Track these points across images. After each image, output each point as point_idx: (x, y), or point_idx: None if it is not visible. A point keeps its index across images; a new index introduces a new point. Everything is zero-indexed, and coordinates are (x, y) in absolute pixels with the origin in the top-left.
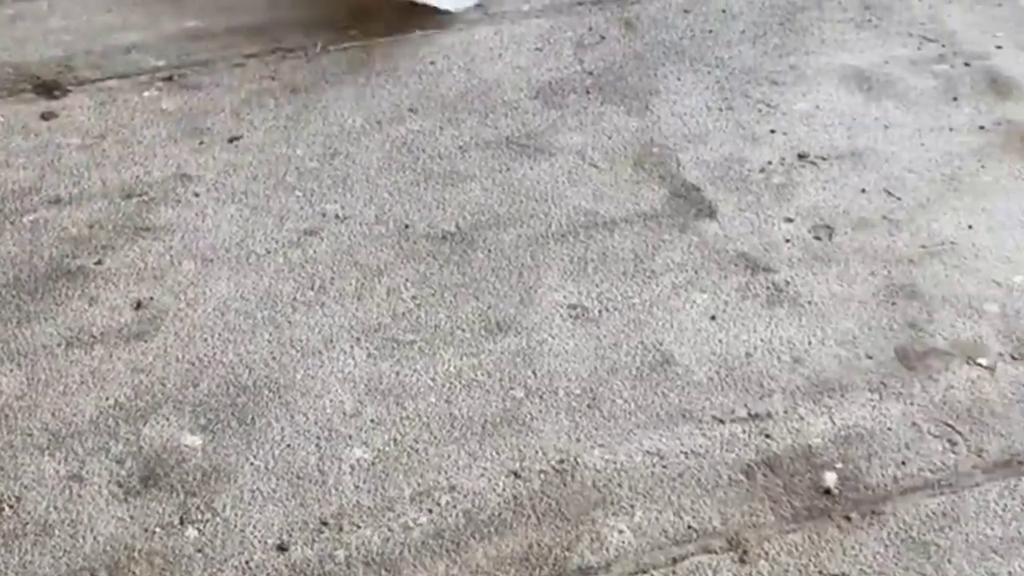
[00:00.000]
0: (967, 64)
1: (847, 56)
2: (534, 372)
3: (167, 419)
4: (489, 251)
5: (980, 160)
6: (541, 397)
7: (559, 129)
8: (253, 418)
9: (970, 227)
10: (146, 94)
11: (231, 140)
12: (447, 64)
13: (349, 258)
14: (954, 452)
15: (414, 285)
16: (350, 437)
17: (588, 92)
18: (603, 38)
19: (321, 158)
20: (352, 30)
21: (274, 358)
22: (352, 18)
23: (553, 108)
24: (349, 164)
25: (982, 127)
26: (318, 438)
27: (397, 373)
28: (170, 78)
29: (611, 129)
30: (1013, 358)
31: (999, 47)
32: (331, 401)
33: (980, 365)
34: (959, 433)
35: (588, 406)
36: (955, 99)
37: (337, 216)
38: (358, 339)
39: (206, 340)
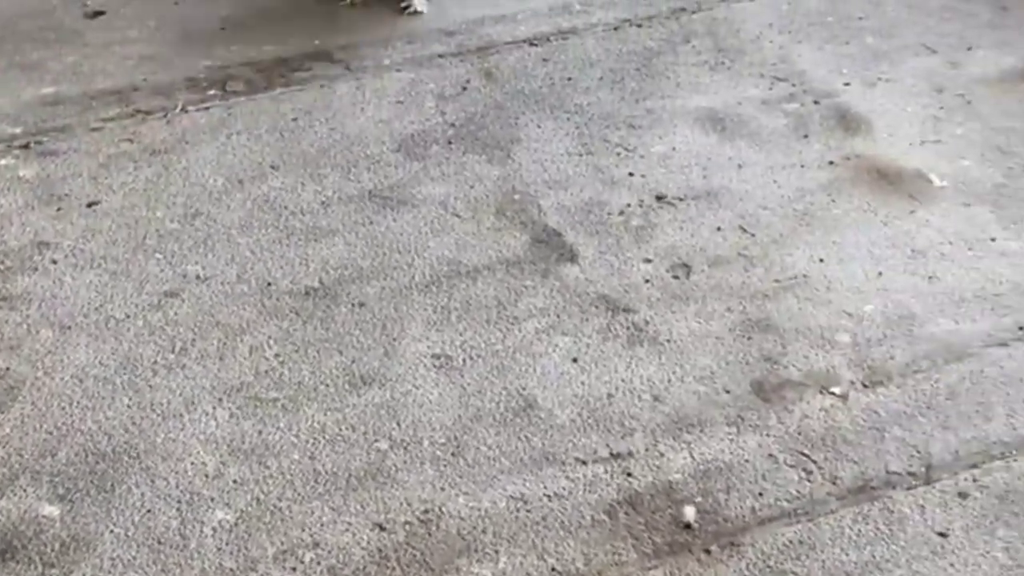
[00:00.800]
0: (816, 102)
1: (701, 98)
2: (398, 423)
3: (24, 490)
4: (352, 305)
5: (830, 195)
6: (405, 448)
7: (421, 180)
8: (113, 485)
9: (821, 260)
10: (2, 162)
11: (89, 205)
12: (309, 120)
13: (211, 318)
14: (809, 481)
15: (277, 342)
16: (212, 499)
17: (450, 143)
18: (464, 89)
19: (182, 219)
20: (212, 90)
21: (134, 423)
22: (212, 78)
23: (415, 160)
24: (210, 224)
25: (832, 162)
26: (179, 502)
27: (260, 432)
28: (27, 145)
29: (473, 178)
30: (864, 386)
31: (847, 84)
32: (192, 463)
33: (833, 394)
34: (814, 462)
35: (452, 454)
36: (806, 136)
37: (198, 277)
38: (220, 399)
39: (64, 409)
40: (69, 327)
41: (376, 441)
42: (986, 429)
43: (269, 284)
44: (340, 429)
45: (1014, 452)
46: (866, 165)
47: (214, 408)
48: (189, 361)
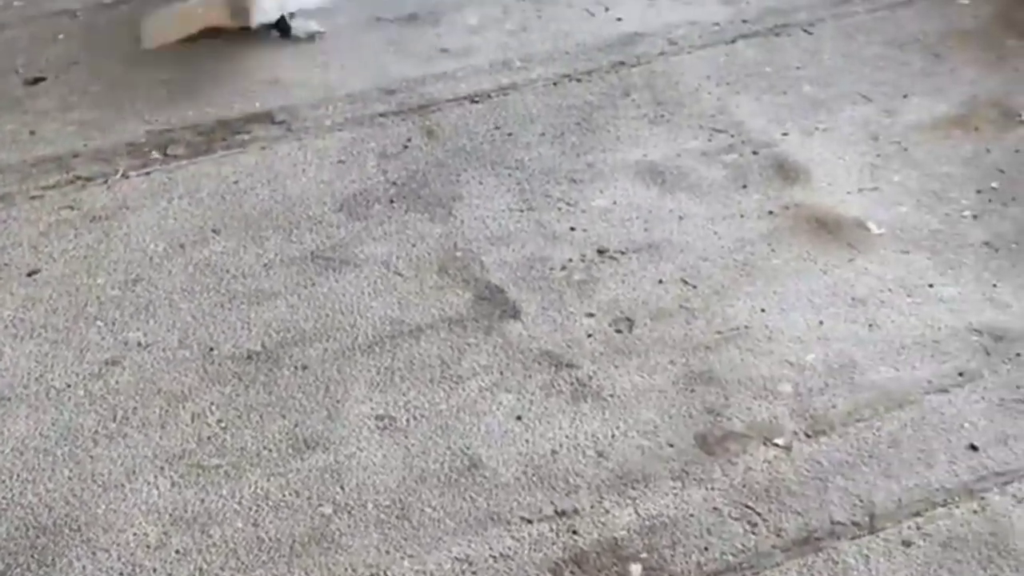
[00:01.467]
0: (755, 152)
1: (641, 151)
2: (343, 487)
3: None
4: (295, 368)
5: (770, 244)
6: (350, 512)
7: (363, 240)
8: (53, 559)
9: (763, 310)
10: None
11: (29, 274)
12: (250, 182)
13: (152, 386)
14: (754, 533)
15: (219, 408)
16: (155, 570)
17: (392, 202)
18: (405, 147)
19: (123, 286)
20: (154, 154)
21: (75, 495)
22: (153, 142)
23: (357, 220)
24: (151, 290)
25: (771, 212)
26: (121, 574)
27: (203, 500)
28: None
29: (415, 237)
30: (807, 436)
31: (785, 134)
32: (135, 535)
33: (776, 445)
34: (758, 514)
35: (397, 517)
36: (745, 187)
37: (139, 344)
38: (162, 468)
39: (3, 482)
40: (8, 398)
41: (320, 506)
42: (928, 476)
43: (211, 349)
44: (284, 495)
45: (956, 499)
46: (805, 214)
47: (156, 477)
48: (130, 430)
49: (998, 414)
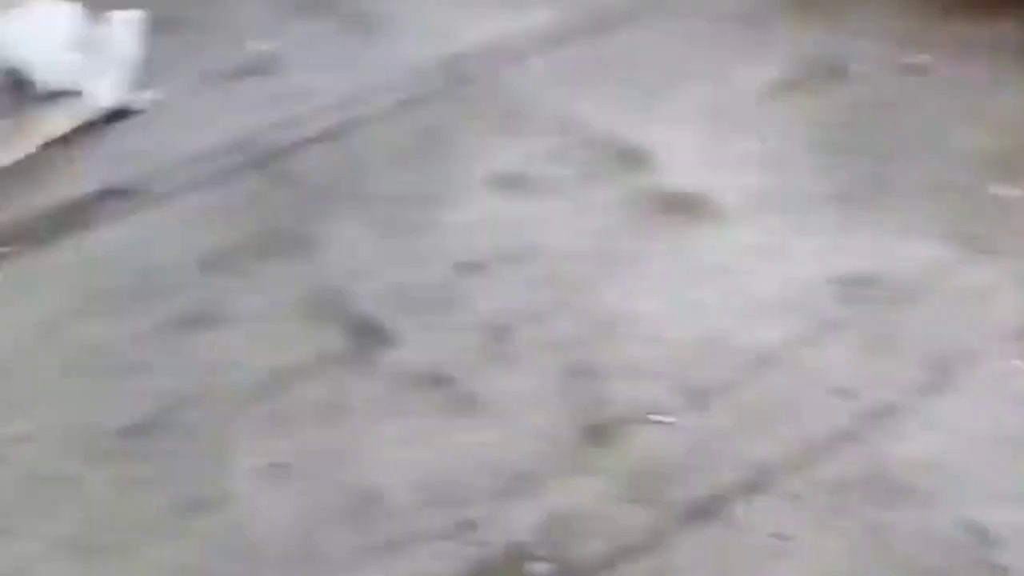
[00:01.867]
0: (601, 146)
1: (492, 162)
2: (242, 542)
3: None
4: (180, 433)
5: (629, 232)
6: (253, 566)
7: (231, 295)
8: None
9: (632, 297)
10: None
11: None
12: (111, 256)
13: (36, 477)
14: (653, 513)
15: (106, 487)
16: None
17: (253, 253)
18: (259, 197)
19: None
20: (5, 247)
21: None
22: (6, 234)
23: (222, 277)
24: (26, 381)
25: (625, 201)
26: None
27: None
28: None
29: (282, 283)
30: (690, 409)
31: (626, 124)
32: None
33: (662, 423)
34: (653, 493)
35: (302, 561)
36: (596, 181)
37: (20, 438)
38: (52, 556)
39: None
40: None
41: (222, 565)
42: (806, 428)
43: (93, 428)
44: (181, 561)
45: (838, 445)
46: (657, 197)
47: (48, 567)
48: (17, 524)
49: (865, 357)
